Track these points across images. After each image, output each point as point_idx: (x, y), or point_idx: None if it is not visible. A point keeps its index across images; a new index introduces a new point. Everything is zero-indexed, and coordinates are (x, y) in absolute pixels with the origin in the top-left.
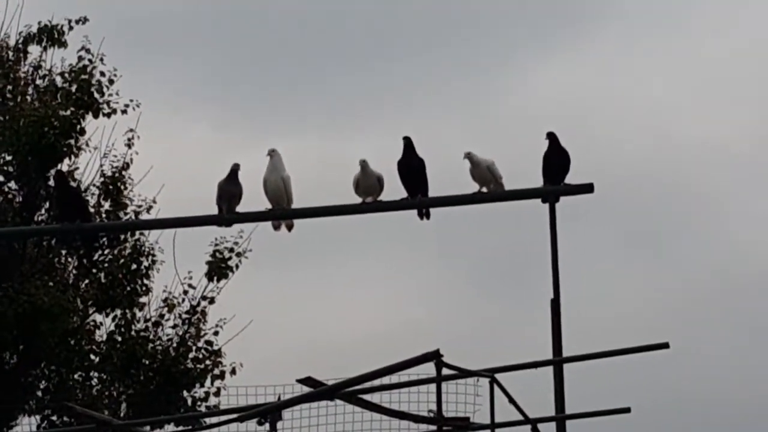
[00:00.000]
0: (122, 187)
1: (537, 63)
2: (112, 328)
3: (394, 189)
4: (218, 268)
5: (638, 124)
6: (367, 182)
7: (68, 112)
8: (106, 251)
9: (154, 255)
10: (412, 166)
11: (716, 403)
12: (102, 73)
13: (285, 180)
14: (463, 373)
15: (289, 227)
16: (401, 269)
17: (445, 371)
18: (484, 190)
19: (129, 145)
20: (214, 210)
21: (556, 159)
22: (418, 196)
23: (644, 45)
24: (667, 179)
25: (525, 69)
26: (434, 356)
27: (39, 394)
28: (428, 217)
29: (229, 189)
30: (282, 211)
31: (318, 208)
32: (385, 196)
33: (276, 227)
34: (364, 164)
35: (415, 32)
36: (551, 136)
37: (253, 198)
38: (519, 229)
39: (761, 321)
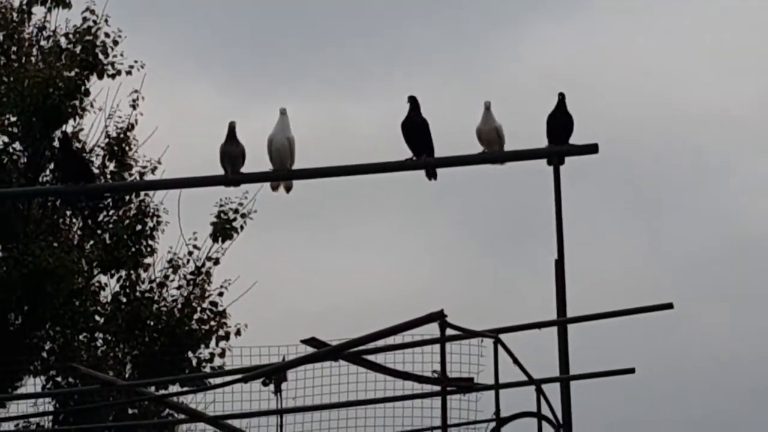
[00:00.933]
0: (127, 148)
1: (540, 27)
2: (117, 289)
3: (400, 149)
4: (223, 229)
5: (640, 89)
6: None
7: (73, 73)
8: (110, 212)
9: (158, 216)
10: (416, 125)
11: (719, 365)
12: (106, 34)
13: (290, 141)
14: (467, 334)
15: (288, 188)
16: (406, 231)
17: (449, 332)
18: (487, 150)
19: (134, 107)
20: (219, 171)
21: (561, 120)
22: (424, 156)
23: (647, 10)
24: (670, 143)
25: (527, 33)
26: (438, 317)
27: (44, 354)
28: (435, 177)
29: (231, 150)
30: (285, 172)
31: (324, 168)
32: (390, 157)
33: (275, 188)
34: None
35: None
36: (561, 96)
37: (258, 158)
38: (523, 191)
39: (763, 286)
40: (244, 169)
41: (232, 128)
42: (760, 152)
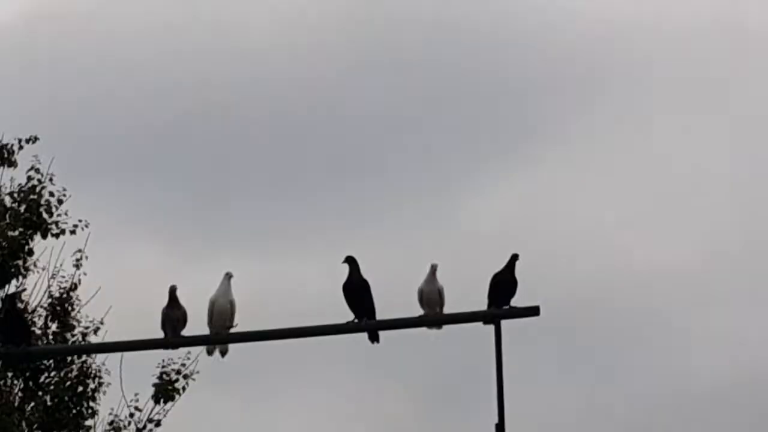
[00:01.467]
0: (70, 309)
1: (482, 186)
2: None
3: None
4: (165, 390)
5: (585, 247)
6: None
7: (17, 233)
8: (52, 373)
9: (100, 377)
10: (356, 287)
11: None
12: (51, 193)
13: (232, 304)
14: None
15: (223, 352)
16: (343, 394)
17: None
18: (427, 314)
19: (77, 266)
20: (161, 333)
21: (507, 284)
22: (365, 319)
23: (591, 167)
24: (616, 299)
25: (468, 194)
26: None
27: None
28: (377, 340)
29: (171, 313)
30: (226, 335)
31: (264, 331)
32: (331, 320)
33: (210, 352)
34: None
35: (362, 156)
36: (513, 258)
37: (200, 319)
38: (462, 352)
39: None
40: (185, 332)
41: (172, 292)
42: (707, 305)
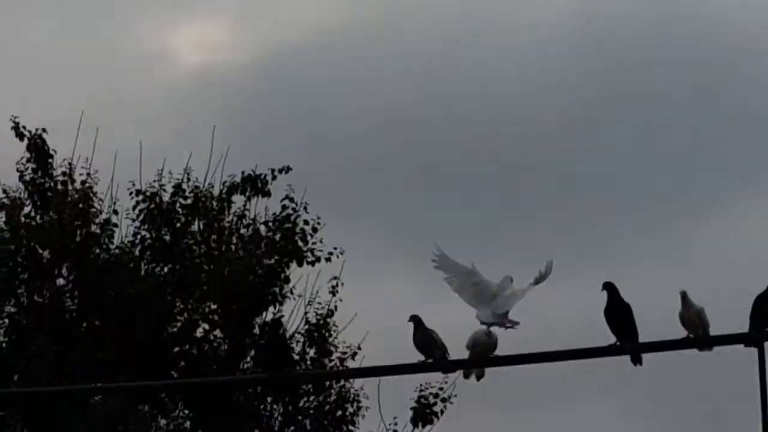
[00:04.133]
0: (327, 334)
1: (736, 213)
2: None
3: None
4: (423, 413)
5: None
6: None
7: (272, 261)
8: (311, 398)
9: (359, 401)
10: (619, 310)
11: None
12: (306, 222)
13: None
14: None
15: (479, 377)
16: (600, 416)
17: None
18: (691, 336)
19: (333, 293)
20: (417, 357)
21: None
22: (628, 342)
23: None
24: None
25: (722, 219)
26: None
27: None
28: (641, 362)
29: (419, 341)
30: (488, 358)
31: (527, 354)
32: (593, 343)
33: (467, 376)
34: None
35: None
36: None
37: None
38: (727, 374)
39: None
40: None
41: (415, 322)
42: None
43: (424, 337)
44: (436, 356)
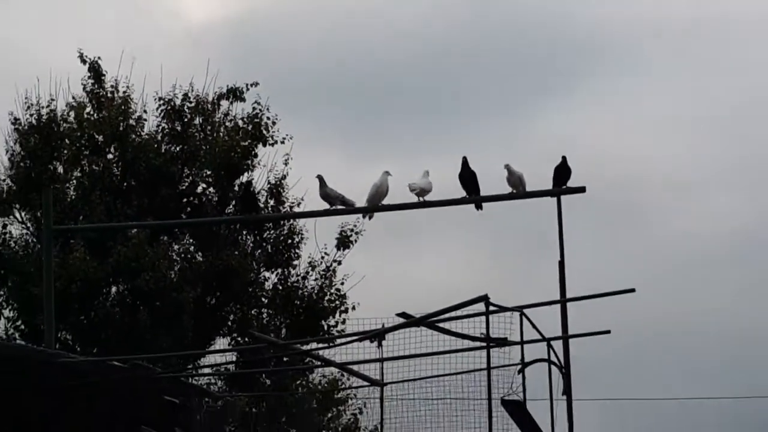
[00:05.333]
0: (282, 191)
1: (546, 110)
2: (275, 280)
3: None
4: (343, 241)
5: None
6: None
7: (246, 143)
8: (271, 231)
9: (302, 234)
10: (468, 175)
11: None
12: (268, 118)
13: (387, 188)
14: (502, 309)
15: (370, 217)
16: (461, 245)
17: (491, 308)
18: (515, 192)
19: (285, 163)
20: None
21: (564, 170)
22: (473, 195)
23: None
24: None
25: (539, 114)
26: (483, 298)
27: (229, 323)
28: (481, 208)
29: (321, 194)
30: (381, 206)
31: (405, 204)
32: (447, 197)
33: (366, 216)
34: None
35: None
36: (563, 157)
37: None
38: (538, 216)
39: None
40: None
41: (319, 179)
42: None
43: (322, 191)
44: (335, 204)
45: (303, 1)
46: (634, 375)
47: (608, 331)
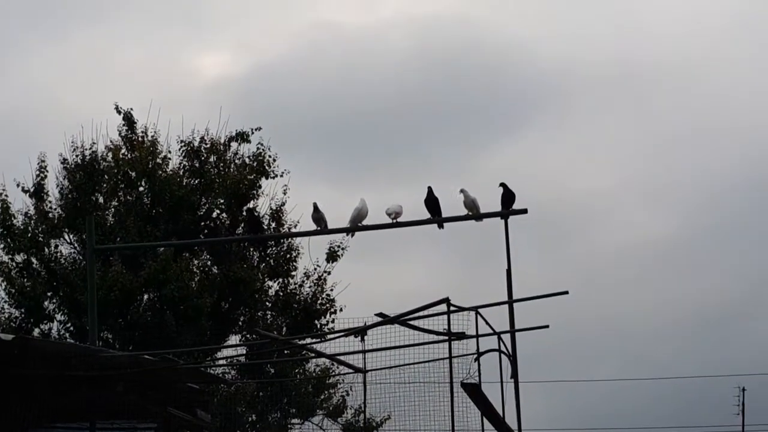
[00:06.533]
0: (281, 215)
1: (500, 145)
2: (277, 288)
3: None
4: (332, 255)
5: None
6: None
7: (252, 177)
8: (274, 248)
9: (298, 250)
10: (433, 201)
11: None
12: (270, 156)
13: (366, 212)
14: (459, 309)
15: (352, 236)
16: (425, 259)
17: (452, 308)
18: (470, 213)
19: (284, 193)
20: (339, 223)
21: (508, 196)
22: (437, 216)
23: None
24: (575, 195)
25: (490, 148)
26: (445, 300)
27: (239, 323)
28: (443, 227)
29: (312, 218)
30: (361, 226)
31: (378, 225)
32: (415, 218)
33: (348, 234)
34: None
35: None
36: (504, 185)
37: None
38: (490, 234)
39: None
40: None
41: (314, 205)
42: None
43: (314, 215)
44: (322, 226)
45: (302, 57)
46: (570, 361)
47: (547, 326)
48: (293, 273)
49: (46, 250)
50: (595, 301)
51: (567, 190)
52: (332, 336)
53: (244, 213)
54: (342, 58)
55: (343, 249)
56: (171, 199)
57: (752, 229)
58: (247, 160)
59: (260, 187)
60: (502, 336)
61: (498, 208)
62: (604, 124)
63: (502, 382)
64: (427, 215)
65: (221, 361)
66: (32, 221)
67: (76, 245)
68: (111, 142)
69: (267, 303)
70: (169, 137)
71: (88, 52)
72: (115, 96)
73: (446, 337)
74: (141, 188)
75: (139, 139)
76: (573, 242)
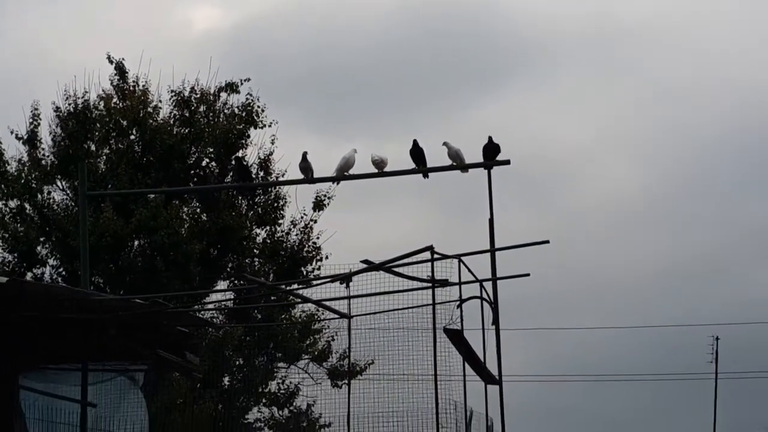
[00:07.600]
0: (269, 164)
1: (483, 100)
2: (264, 236)
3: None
4: (319, 204)
5: (528, 132)
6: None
7: (241, 127)
8: (262, 196)
9: (286, 198)
10: (418, 151)
11: None
12: (258, 106)
13: (353, 161)
14: (443, 257)
15: (338, 183)
16: (411, 207)
17: (435, 256)
18: (455, 164)
19: (272, 142)
20: (325, 173)
21: (492, 147)
22: (422, 166)
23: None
24: (557, 149)
25: (474, 103)
26: (429, 248)
27: (228, 269)
28: (427, 177)
29: (299, 167)
30: (348, 175)
31: (367, 174)
32: (401, 168)
33: (335, 182)
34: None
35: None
36: (490, 138)
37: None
38: (474, 184)
39: None
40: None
41: (303, 155)
42: None
43: (302, 164)
44: (309, 176)
45: (289, 11)
46: (550, 310)
47: (528, 274)
48: (280, 221)
49: (39, 196)
50: (576, 251)
51: (549, 144)
52: (318, 282)
53: (233, 162)
54: (327, 10)
55: (329, 198)
56: (161, 147)
57: (730, 183)
58: (236, 110)
59: (249, 136)
60: (484, 284)
61: (479, 158)
62: (586, 78)
63: (483, 328)
64: (412, 165)
65: (209, 306)
66: (25, 168)
67: (68, 192)
68: (103, 91)
69: (255, 250)
70: (160, 87)
71: (81, 5)
72: (108, 47)
73: (430, 284)
74: (132, 137)
75: (131, 88)
76: (555, 195)
